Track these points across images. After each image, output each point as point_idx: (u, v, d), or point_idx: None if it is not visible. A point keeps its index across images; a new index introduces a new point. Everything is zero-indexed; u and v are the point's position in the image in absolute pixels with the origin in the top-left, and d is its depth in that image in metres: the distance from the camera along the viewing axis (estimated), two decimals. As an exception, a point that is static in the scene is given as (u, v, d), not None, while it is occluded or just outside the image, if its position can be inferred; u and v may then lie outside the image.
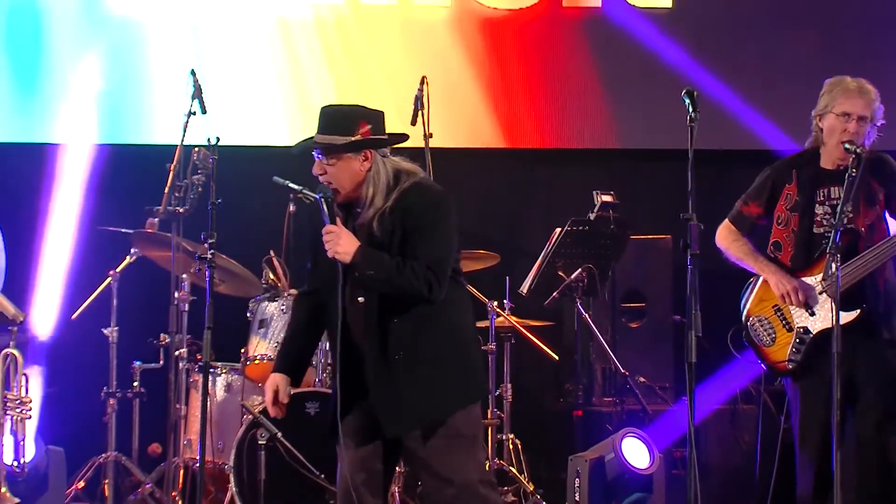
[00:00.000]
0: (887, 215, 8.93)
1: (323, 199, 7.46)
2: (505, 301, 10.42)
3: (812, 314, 8.76)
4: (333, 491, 9.39)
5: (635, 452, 9.89)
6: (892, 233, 8.87)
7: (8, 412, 9.65)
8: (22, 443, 9.74)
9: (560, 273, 10.55)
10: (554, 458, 10.42)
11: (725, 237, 9.04)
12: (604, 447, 9.92)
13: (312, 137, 7.50)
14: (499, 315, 10.32)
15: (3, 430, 9.64)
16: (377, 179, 7.50)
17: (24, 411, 9.72)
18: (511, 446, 10.45)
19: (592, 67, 11.62)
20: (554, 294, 10.57)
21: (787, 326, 8.87)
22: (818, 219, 8.79)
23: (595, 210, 10.45)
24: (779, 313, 8.91)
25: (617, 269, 10.71)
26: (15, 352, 9.64)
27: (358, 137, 7.46)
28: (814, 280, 8.79)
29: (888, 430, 8.80)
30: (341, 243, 7.27)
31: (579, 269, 10.43)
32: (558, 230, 10.52)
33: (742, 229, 8.99)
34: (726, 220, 9.05)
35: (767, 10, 11.35)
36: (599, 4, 11.61)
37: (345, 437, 7.45)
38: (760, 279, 8.99)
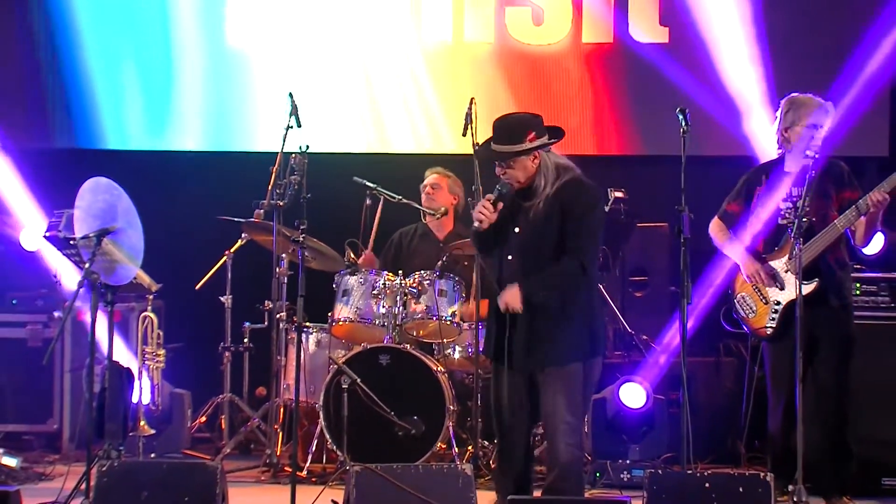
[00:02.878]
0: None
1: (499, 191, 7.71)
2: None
3: (782, 288, 8.77)
4: (401, 424, 9.44)
5: (633, 395, 9.87)
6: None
7: (146, 362, 9.69)
8: (157, 386, 9.79)
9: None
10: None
11: (714, 230, 9.10)
12: (609, 391, 9.93)
13: (490, 146, 7.82)
14: (532, 286, 10.32)
15: (141, 377, 9.69)
16: (546, 172, 7.72)
17: (158, 362, 9.77)
18: (541, 390, 10.45)
19: (605, 90, 11.58)
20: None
21: (763, 300, 8.89)
22: (783, 212, 8.78)
23: (609, 204, 10.41)
24: (757, 290, 8.93)
25: (626, 250, 10.67)
26: (151, 315, 9.68)
27: (527, 145, 7.66)
28: (780, 262, 8.80)
29: (840, 375, 8.79)
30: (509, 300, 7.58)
31: (595, 250, 10.44)
32: (578, 219, 10.51)
33: (727, 223, 9.06)
34: (716, 216, 9.08)
35: (741, 42, 11.24)
36: (611, 40, 11.56)
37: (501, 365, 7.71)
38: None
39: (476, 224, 7.69)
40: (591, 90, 11.61)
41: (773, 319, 8.87)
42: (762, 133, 10.80)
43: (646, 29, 11.53)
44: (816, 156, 8.63)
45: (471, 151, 9.56)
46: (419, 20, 11.77)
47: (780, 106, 9.00)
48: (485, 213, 7.63)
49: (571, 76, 11.61)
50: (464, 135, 9.64)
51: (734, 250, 9.02)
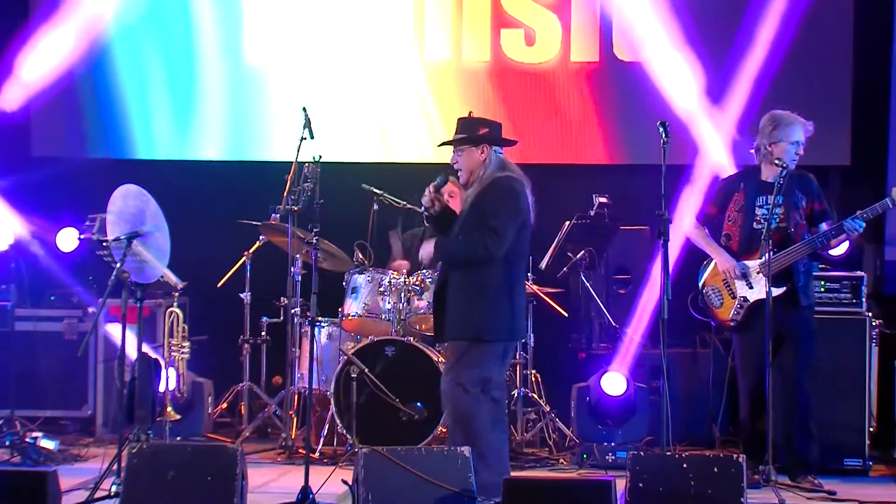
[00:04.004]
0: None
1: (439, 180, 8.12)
2: (529, 274, 10.41)
3: (750, 287, 8.78)
4: (405, 410, 9.44)
5: (614, 384, 9.87)
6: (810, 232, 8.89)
7: (172, 354, 9.69)
8: (182, 375, 9.78)
9: (569, 254, 10.52)
10: (564, 387, 10.39)
11: (691, 228, 9.15)
12: (592, 380, 9.93)
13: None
14: (525, 284, 10.32)
15: (167, 367, 9.69)
16: (486, 169, 8.00)
17: (183, 353, 9.76)
18: (533, 378, 10.43)
19: (592, 104, 11.57)
20: (564, 269, 10.56)
21: (731, 295, 8.92)
22: (757, 218, 8.86)
23: (594, 208, 10.41)
24: (726, 285, 8.94)
25: (610, 251, 10.66)
26: (177, 310, 9.67)
27: (470, 135, 8.02)
28: (754, 263, 8.82)
29: (804, 367, 8.85)
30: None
31: (583, 251, 10.41)
32: (567, 223, 10.49)
33: (705, 223, 9.11)
34: (693, 216, 9.12)
35: (717, 68, 11.25)
36: (597, 59, 11.56)
37: None
38: (714, 260, 9.02)
39: (425, 207, 8.08)
40: (579, 104, 11.60)
41: (738, 314, 8.91)
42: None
43: (628, 49, 11.52)
44: (785, 165, 8.67)
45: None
46: (422, 40, 11.77)
47: (762, 121, 9.00)
48: (428, 197, 8.02)
49: (560, 92, 11.60)
50: (461, 145, 9.63)
51: (711, 247, 9.05)
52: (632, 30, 11.48)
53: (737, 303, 8.93)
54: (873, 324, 9.75)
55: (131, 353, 8.77)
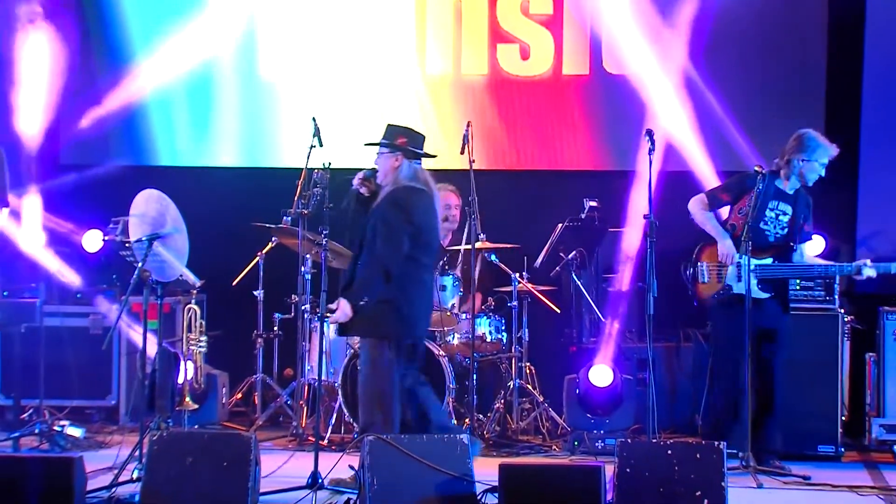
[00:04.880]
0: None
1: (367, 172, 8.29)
2: (524, 273, 10.41)
3: (738, 280, 8.79)
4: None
5: (602, 375, 9.85)
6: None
7: (190, 348, 9.69)
8: (199, 368, 9.77)
9: (561, 254, 10.52)
10: (557, 379, 10.38)
11: (698, 206, 9.09)
12: (582, 372, 9.93)
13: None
14: (519, 282, 10.31)
15: (186, 360, 9.68)
16: (398, 178, 8.07)
17: (200, 347, 9.76)
18: (528, 371, 10.43)
19: (583, 114, 11.57)
20: (557, 268, 10.55)
21: (719, 278, 8.92)
22: (766, 220, 8.86)
23: (584, 211, 10.41)
24: (718, 267, 8.97)
25: (599, 251, 10.65)
26: (195, 307, 9.67)
27: (385, 142, 8.15)
28: (752, 260, 8.81)
29: (778, 361, 8.92)
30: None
31: (574, 251, 10.42)
32: (560, 225, 10.50)
33: (711, 205, 9.07)
34: (702, 194, 9.18)
35: (693, 76, 11.24)
36: (588, 72, 11.55)
37: None
38: (714, 243, 9.00)
39: (355, 188, 8.26)
40: (571, 114, 11.60)
41: (717, 297, 8.94)
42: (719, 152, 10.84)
43: (616, 63, 11.51)
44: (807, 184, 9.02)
45: (467, 167, 9.57)
46: (424, 55, 11.77)
47: (799, 137, 9.03)
48: (358, 180, 8.26)
49: (553, 103, 11.60)
50: (461, 153, 9.62)
51: (717, 229, 9.05)
52: (619, 45, 11.47)
53: (721, 287, 8.94)
54: (845, 320, 9.79)
55: (151, 347, 8.77)
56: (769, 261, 8.89)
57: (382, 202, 8.14)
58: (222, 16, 11.81)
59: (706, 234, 9.07)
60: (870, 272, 8.88)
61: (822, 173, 9.03)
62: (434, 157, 8.53)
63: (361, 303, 7.97)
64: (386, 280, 7.99)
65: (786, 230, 9.00)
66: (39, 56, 11.39)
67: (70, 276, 10.64)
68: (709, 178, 10.61)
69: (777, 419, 8.91)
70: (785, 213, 8.99)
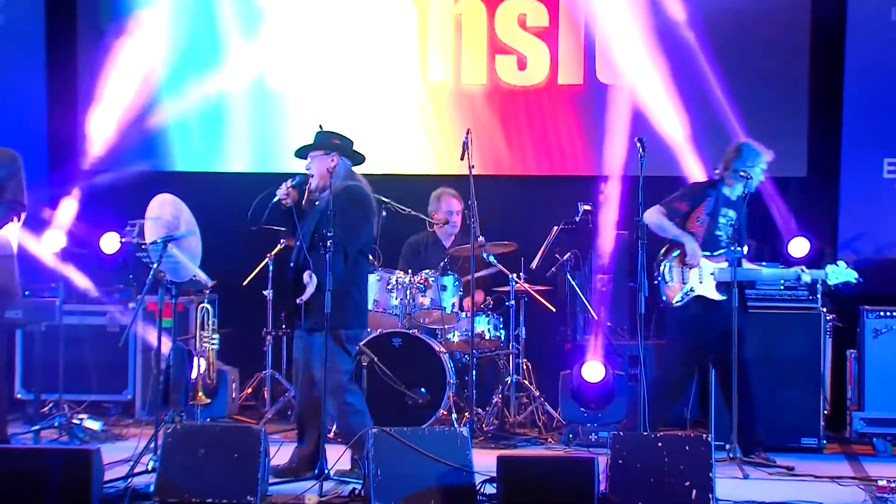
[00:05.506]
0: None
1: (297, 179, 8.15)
2: (521, 273, 10.41)
3: (700, 282, 8.82)
4: (410, 395, 9.45)
5: (594, 371, 9.85)
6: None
7: (203, 344, 9.68)
8: (211, 364, 9.77)
9: (556, 255, 10.52)
10: (552, 375, 10.38)
11: (657, 216, 9.07)
12: (575, 368, 9.93)
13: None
14: (517, 282, 10.31)
15: (199, 356, 9.68)
16: (334, 175, 8.06)
17: (212, 344, 9.75)
18: (525, 367, 10.43)
19: (577, 122, 11.58)
20: (552, 269, 10.56)
21: (683, 280, 8.94)
22: (719, 226, 8.86)
23: (579, 215, 10.42)
24: (683, 270, 8.96)
25: (593, 253, 10.65)
26: (208, 306, 9.67)
27: (319, 147, 8.15)
28: (710, 265, 8.92)
29: (746, 358, 8.86)
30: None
31: (569, 252, 10.42)
32: (555, 228, 10.50)
33: (669, 216, 9.02)
34: (658, 205, 9.13)
35: (684, 88, 11.25)
36: (581, 82, 11.56)
37: None
38: (679, 249, 9.00)
39: (279, 199, 8.09)
40: (565, 122, 11.61)
41: (681, 299, 8.92)
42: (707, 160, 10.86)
43: (608, 74, 11.53)
44: (750, 190, 8.98)
45: (467, 173, 9.57)
46: (425, 65, 11.77)
47: (737, 147, 9.09)
48: (285, 189, 8.09)
49: (549, 111, 11.60)
50: (461, 159, 9.63)
51: (681, 233, 9.03)
52: (611, 56, 11.49)
53: (684, 290, 8.94)
54: (827, 318, 9.80)
55: (166, 344, 8.76)
56: (725, 265, 8.92)
57: (339, 201, 7.99)
58: (236, 37, 11.85)
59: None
60: (806, 278, 9.01)
61: (762, 178, 9.11)
62: (364, 159, 8.48)
63: (329, 290, 7.86)
64: (344, 261, 7.99)
65: (732, 233, 9.06)
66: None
67: (83, 283, 10.62)
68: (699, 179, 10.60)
69: (758, 412, 8.90)
70: (732, 219, 9.06)
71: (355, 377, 9.27)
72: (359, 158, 8.43)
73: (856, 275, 8.94)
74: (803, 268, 9.02)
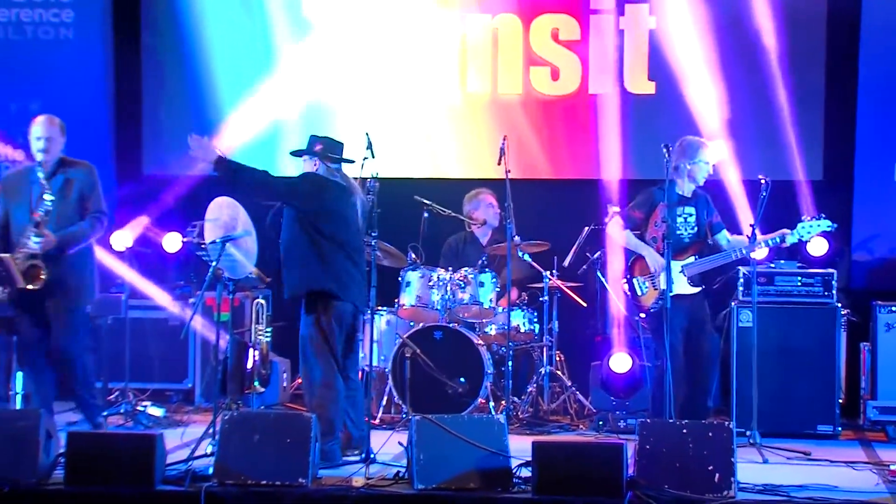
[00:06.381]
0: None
1: None
2: (554, 270, 10.41)
3: (672, 281, 8.73)
4: (451, 384, 9.46)
5: (621, 362, 9.87)
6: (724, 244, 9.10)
7: (258, 337, 9.73)
8: (265, 355, 9.81)
9: (587, 254, 10.51)
10: (584, 366, 10.39)
11: (615, 228, 9.14)
12: (604, 359, 9.93)
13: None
14: (550, 279, 10.31)
15: (254, 348, 9.72)
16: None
17: (266, 337, 9.80)
18: (558, 358, 10.43)
19: (607, 129, 11.52)
20: (584, 267, 10.54)
21: (654, 287, 8.88)
22: (678, 225, 8.86)
23: (608, 216, 10.38)
24: (651, 277, 8.98)
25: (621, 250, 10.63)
26: (262, 301, 9.72)
27: (307, 152, 8.42)
28: (677, 263, 8.85)
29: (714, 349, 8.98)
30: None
31: (598, 251, 10.39)
32: (586, 228, 10.50)
33: (627, 224, 9.08)
34: (616, 216, 9.14)
35: (704, 91, 11.21)
36: (611, 91, 11.53)
37: None
38: (642, 257, 9.03)
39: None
40: (596, 129, 11.56)
41: (657, 303, 8.85)
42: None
43: (638, 83, 11.51)
44: (701, 184, 9.02)
45: (503, 176, 9.58)
46: (464, 77, 11.76)
47: (682, 144, 9.04)
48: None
49: (581, 119, 11.56)
50: (498, 164, 9.65)
51: (642, 246, 9.05)
52: (638, 67, 11.47)
53: (658, 295, 8.87)
54: (842, 313, 9.74)
55: (223, 336, 8.81)
56: (692, 259, 8.90)
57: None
58: (290, 56, 11.90)
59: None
60: (792, 239, 8.82)
61: (710, 171, 9.05)
62: (352, 161, 8.54)
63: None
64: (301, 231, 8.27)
65: (696, 229, 9.02)
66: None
67: (150, 290, 10.68)
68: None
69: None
70: (691, 215, 9.00)
71: (399, 368, 9.34)
72: (346, 160, 8.55)
73: (829, 223, 8.84)
74: (786, 230, 8.85)
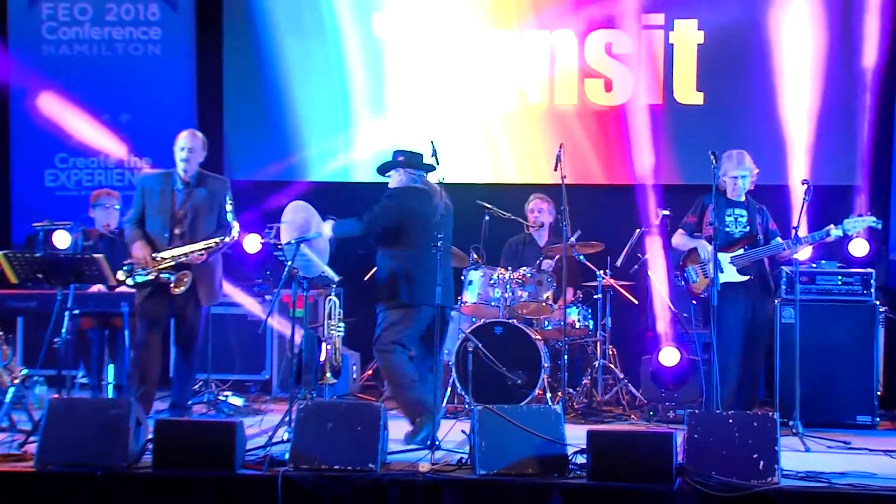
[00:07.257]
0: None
1: None
2: (607, 270, 10.38)
3: (722, 271, 8.74)
4: (510, 376, 9.44)
5: (670, 356, 9.85)
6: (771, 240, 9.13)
7: (330, 332, 9.76)
8: (337, 349, 9.83)
9: (638, 254, 10.47)
10: (635, 359, 10.35)
11: (677, 238, 9.34)
12: (654, 354, 9.91)
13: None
14: (603, 278, 10.28)
15: (327, 342, 9.74)
16: (398, 183, 8.58)
17: (338, 331, 9.83)
18: (611, 352, 10.40)
19: (657, 137, 11.51)
20: (635, 266, 10.50)
21: (706, 275, 8.90)
22: (727, 223, 9.07)
23: (658, 219, 10.35)
24: (702, 266, 9.00)
25: (671, 253, 10.57)
26: (335, 298, 9.75)
27: (391, 165, 8.59)
28: (726, 255, 8.97)
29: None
30: None
31: (649, 252, 10.35)
32: (637, 230, 10.46)
33: (688, 232, 9.22)
34: (679, 229, 9.33)
35: (751, 104, 11.16)
36: (661, 102, 11.52)
37: None
38: (695, 249, 9.15)
39: None
40: (647, 137, 11.53)
41: (709, 289, 8.77)
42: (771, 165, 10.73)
43: (686, 94, 11.47)
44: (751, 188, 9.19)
45: (560, 182, 9.56)
46: (524, 88, 11.78)
47: (732, 156, 9.14)
48: None
49: (633, 128, 11.54)
50: (555, 170, 9.63)
51: (694, 241, 9.18)
52: (686, 79, 11.44)
53: (709, 282, 8.86)
54: (880, 310, 9.67)
55: (299, 331, 8.84)
56: (741, 251, 9.01)
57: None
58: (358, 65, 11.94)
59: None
60: (837, 233, 8.82)
61: (741, 184, 9.12)
62: (434, 168, 8.58)
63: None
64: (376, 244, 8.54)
65: (747, 228, 9.12)
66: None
67: (247, 304, 10.80)
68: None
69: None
70: (742, 216, 9.13)
71: (462, 361, 9.34)
72: (427, 167, 8.59)
73: (874, 219, 8.84)
74: (832, 225, 8.85)
